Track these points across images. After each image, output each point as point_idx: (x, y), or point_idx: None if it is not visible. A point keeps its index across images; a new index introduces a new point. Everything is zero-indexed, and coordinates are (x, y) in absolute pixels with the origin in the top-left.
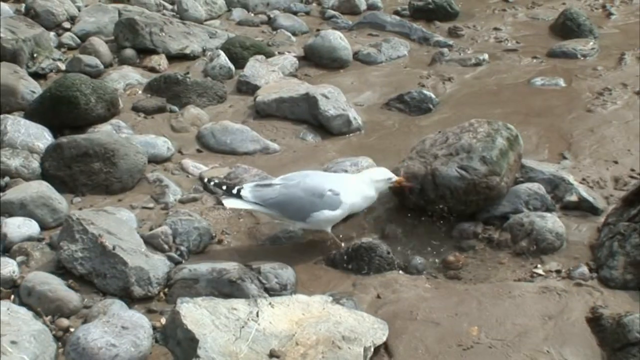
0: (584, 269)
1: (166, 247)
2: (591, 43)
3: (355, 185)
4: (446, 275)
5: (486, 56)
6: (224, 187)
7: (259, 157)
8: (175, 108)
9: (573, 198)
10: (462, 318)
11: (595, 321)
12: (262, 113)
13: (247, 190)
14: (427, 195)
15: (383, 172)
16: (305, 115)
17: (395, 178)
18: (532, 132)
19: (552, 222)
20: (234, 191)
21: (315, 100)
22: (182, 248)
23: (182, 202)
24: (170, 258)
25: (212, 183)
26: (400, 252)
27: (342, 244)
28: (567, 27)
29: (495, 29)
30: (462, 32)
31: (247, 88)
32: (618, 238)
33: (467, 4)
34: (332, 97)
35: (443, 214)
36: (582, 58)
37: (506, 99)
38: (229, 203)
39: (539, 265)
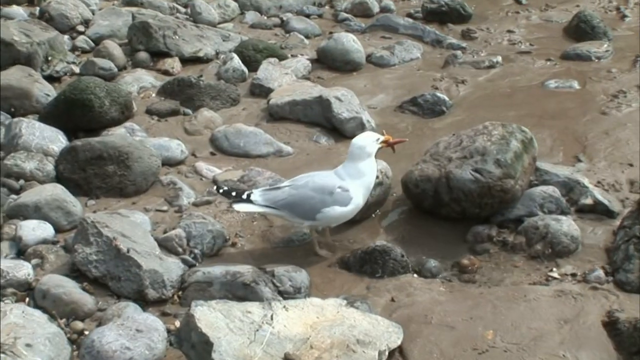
0: (600, 273)
1: (180, 250)
2: (605, 45)
3: (357, 169)
4: (461, 278)
5: (500, 58)
6: (233, 194)
7: (272, 159)
8: (189, 111)
9: (588, 201)
10: (477, 322)
11: (611, 325)
12: (276, 116)
13: (257, 195)
14: (441, 198)
15: (366, 136)
16: (319, 118)
17: (381, 138)
18: (546, 134)
19: (567, 225)
20: (244, 196)
21: (328, 103)
22: (196, 251)
23: (195, 204)
24: (184, 261)
25: (220, 191)
26: (415, 255)
27: (322, 252)
28: (581, 29)
29: (509, 31)
30: (476, 34)
31: (260, 91)
32: (634, 241)
33: (481, 7)
34: (346, 99)
35: (457, 217)
36: (596, 60)
37: (520, 101)
38: (240, 207)
39: (554, 269)
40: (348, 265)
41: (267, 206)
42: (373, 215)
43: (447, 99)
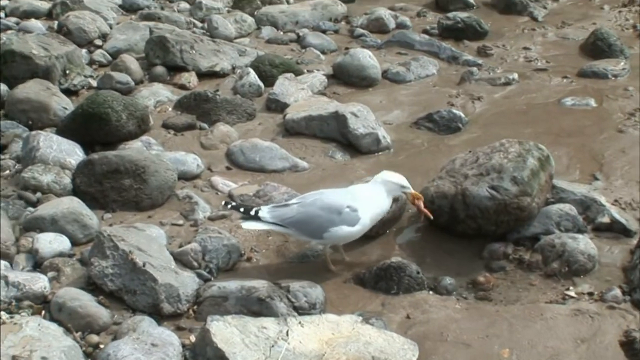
0: (617, 292)
1: (195, 264)
2: (622, 63)
3: (370, 194)
4: (476, 296)
5: (516, 75)
6: (242, 210)
7: (287, 175)
8: (205, 125)
9: (605, 219)
10: (493, 340)
11: (628, 345)
12: (291, 131)
13: (265, 211)
14: (457, 215)
15: (399, 179)
16: (334, 133)
17: (410, 190)
18: (562, 152)
19: (584, 243)
20: (252, 213)
21: (344, 118)
22: (211, 265)
23: (211, 219)
24: (199, 275)
25: (229, 206)
26: (430, 272)
27: (334, 268)
28: (597, 47)
29: (525, 48)
30: (492, 51)
31: (276, 106)
32: None
33: (497, 23)
34: (362, 115)
35: (473, 234)
36: (613, 78)
37: (536, 118)
38: (247, 225)
39: (570, 288)
40: (363, 281)
41: (274, 223)
42: (388, 232)
43: (462, 115)
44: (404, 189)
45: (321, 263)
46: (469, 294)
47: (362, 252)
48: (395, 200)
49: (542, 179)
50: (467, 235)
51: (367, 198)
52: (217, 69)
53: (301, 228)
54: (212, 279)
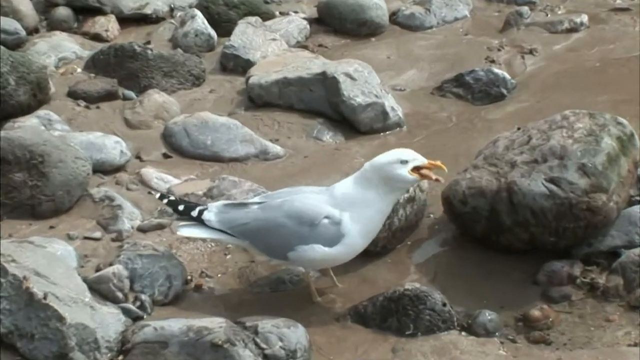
0: None
1: (120, 295)
2: None
3: (358, 195)
4: (529, 337)
5: (585, 18)
6: (181, 207)
7: (253, 164)
8: (131, 93)
9: None
10: None
11: None
12: (258, 101)
13: (212, 213)
14: (500, 221)
15: (394, 152)
16: (321, 104)
17: (419, 161)
18: None
19: None
20: (194, 213)
21: (335, 82)
22: (144, 297)
23: (142, 230)
24: (126, 311)
25: (165, 200)
26: (461, 303)
27: (319, 298)
28: None
29: None
30: None
31: (236, 64)
32: None
33: None
34: (360, 77)
35: (524, 248)
36: None
37: (614, 80)
38: (185, 231)
39: None
40: (365, 317)
41: (222, 231)
42: (400, 245)
43: (507, 76)
44: (405, 165)
45: (303, 292)
46: (518, 335)
47: (362, 276)
48: (410, 200)
49: (623, 167)
50: (515, 249)
51: (356, 202)
52: (148, 10)
53: (258, 242)
54: (145, 316)
